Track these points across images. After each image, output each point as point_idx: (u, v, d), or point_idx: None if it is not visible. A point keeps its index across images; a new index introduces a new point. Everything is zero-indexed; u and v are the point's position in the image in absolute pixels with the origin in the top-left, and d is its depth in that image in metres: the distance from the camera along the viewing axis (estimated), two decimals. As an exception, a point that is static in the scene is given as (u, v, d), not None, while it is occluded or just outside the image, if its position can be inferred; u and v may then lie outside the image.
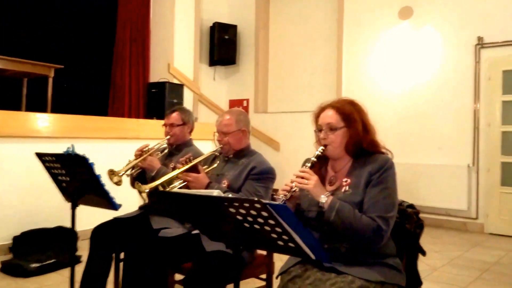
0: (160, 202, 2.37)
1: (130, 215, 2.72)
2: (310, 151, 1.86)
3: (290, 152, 6.59)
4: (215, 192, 1.76)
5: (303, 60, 6.87)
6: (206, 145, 2.85)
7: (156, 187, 2.29)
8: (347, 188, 1.76)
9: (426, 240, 2.00)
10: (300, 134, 6.21)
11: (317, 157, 1.82)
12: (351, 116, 1.80)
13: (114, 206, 2.07)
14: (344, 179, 1.79)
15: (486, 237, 5.10)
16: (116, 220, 2.67)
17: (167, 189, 2.29)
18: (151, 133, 4.56)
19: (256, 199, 1.29)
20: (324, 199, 1.70)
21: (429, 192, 5.50)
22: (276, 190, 1.84)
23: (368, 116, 1.86)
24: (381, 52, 6.05)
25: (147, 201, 2.28)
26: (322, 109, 1.89)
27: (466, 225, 5.40)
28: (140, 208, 2.81)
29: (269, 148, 6.83)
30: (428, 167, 5.57)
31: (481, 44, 5.35)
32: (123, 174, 2.67)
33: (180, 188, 2.31)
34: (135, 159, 2.75)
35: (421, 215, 1.91)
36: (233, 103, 7.30)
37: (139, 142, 2.98)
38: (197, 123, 5.94)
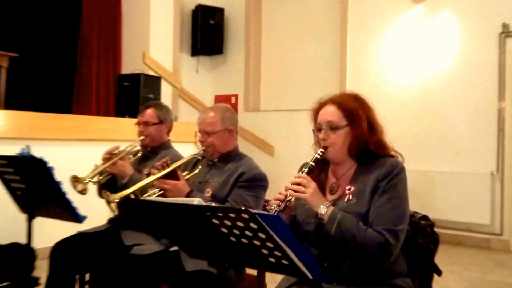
0: (132, 213, 2.36)
1: (97, 230, 2.71)
2: (310, 155, 1.87)
3: (286, 157, 6.59)
4: (196, 201, 1.78)
5: (302, 50, 6.89)
6: (187, 149, 2.86)
7: (128, 196, 2.30)
8: (350, 197, 1.77)
9: (442, 258, 2.01)
10: (298, 137, 6.20)
11: (316, 161, 1.82)
12: (355, 113, 1.81)
13: (78, 218, 2.07)
14: (347, 187, 1.80)
15: (512, 256, 5.14)
16: (80, 235, 2.65)
17: (141, 198, 2.29)
18: (123, 134, 4.52)
19: (243, 208, 1.30)
20: (323, 209, 1.71)
21: (445, 204, 5.53)
22: (268, 201, 1.86)
23: (375, 113, 1.87)
24: (391, 41, 6.08)
25: (116, 212, 2.29)
26: (321, 105, 1.89)
27: (489, 242, 5.44)
28: (109, 221, 2.81)
29: (261, 152, 6.83)
30: (444, 175, 5.60)
31: (506, 32, 5.38)
32: (88, 181, 2.65)
33: (156, 197, 2.32)
34: (103, 164, 2.75)
35: (437, 230, 1.94)
36: (220, 100, 7.29)
37: (108, 144, 2.98)
38: (177, 122, 5.83)
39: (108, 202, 2.31)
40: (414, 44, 5.93)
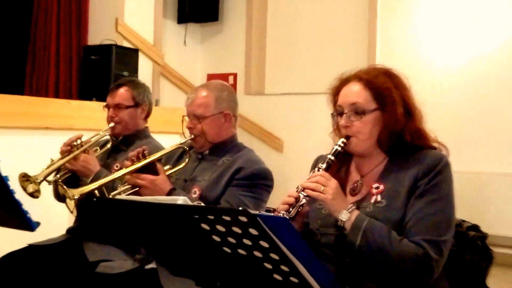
0: (96, 217, 2.37)
1: (53, 242, 2.69)
2: (328, 150, 1.87)
3: (298, 152, 6.52)
4: (180, 200, 1.76)
5: (318, 16, 6.85)
6: (170, 142, 2.88)
7: (91, 193, 2.31)
8: (379, 198, 1.78)
9: (496, 283, 2.02)
10: (314, 127, 6.16)
11: (336, 153, 1.83)
12: (387, 93, 1.81)
13: (29, 225, 2.06)
14: (375, 185, 1.81)
15: None
16: (31, 248, 2.64)
17: (109, 197, 2.32)
18: (89, 122, 4.52)
19: (241, 208, 1.29)
20: (346, 215, 1.72)
21: (499, 215, 5.51)
22: (273, 209, 1.88)
23: (412, 94, 1.87)
24: (431, 11, 6.06)
25: (74, 213, 2.30)
26: (343, 82, 1.90)
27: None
28: (69, 231, 2.79)
29: (266, 147, 6.80)
30: (497, 177, 5.58)
31: None
32: (42, 180, 2.65)
33: (127, 196, 2.33)
34: (61, 158, 2.74)
35: (489, 244, 1.94)
36: (213, 79, 7.22)
37: (69, 134, 2.97)
38: (158, 107, 5.83)
39: (64, 198, 2.33)
40: (461, 15, 5.90)
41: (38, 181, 2.63)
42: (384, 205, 1.75)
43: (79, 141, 2.77)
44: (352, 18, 6.63)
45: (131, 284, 2.29)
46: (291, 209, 1.76)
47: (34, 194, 2.61)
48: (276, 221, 1.31)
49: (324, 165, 1.82)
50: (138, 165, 2.39)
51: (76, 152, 2.72)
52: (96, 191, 2.33)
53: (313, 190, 1.74)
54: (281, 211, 1.76)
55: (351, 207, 1.74)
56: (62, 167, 2.74)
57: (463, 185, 5.50)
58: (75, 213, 2.33)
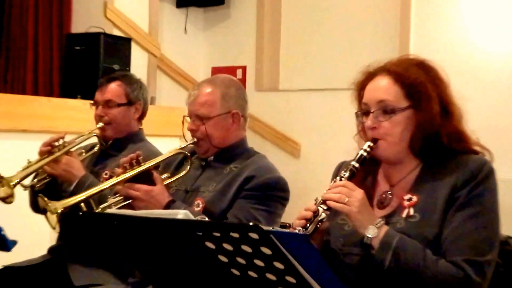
0: (82, 234, 2.37)
1: (32, 263, 2.71)
2: (352, 155, 1.87)
3: (318, 158, 6.51)
4: (181, 214, 1.74)
5: (342, 1, 6.85)
6: (169, 146, 2.85)
7: (77, 206, 2.30)
8: (411, 212, 1.77)
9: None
10: (336, 129, 6.14)
11: (361, 160, 1.83)
12: (421, 88, 1.81)
13: (4, 244, 2.07)
14: (407, 197, 1.80)
15: None
16: (7, 270, 2.66)
17: (97, 211, 2.30)
18: (73, 123, 4.51)
19: (251, 223, 1.29)
20: (373, 231, 1.71)
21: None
22: (289, 225, 1.84)
23: (451, 90, 1.87)
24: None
25: (57, 229, 2.29)
26: (370, 76, 1.90)
27: None
28: (51, 250, 2.80)
29: (281, 152, 6.77)
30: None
31: None
32: (17, 183, 2.65)
33: (119, 209, 2.31)
34: (40, 160, 2.74)
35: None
36: (218, 73, 7.18)
37: (50, 136, 2.97)
38: (155, 106, 5.81)
39: (45, 212, 2.32)
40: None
41: (12, 184, 2.63)
42: (417, 219, 1.75)
43: (61, 141, 2.77)
44: (382, 3, 6.61)
45: (123, 313, 2.33)
46: (308, 224, 1.74)
47: (7, 200, 2.62)
48: (293, 239, 1.30)
49: (347, 173, 1.81)
50: (132, 173, 2.38)
51: (58, 154, 2.72)
52: (82, 204, 2.33)
53: (336, 201, 1.73)
54: (297, 227, 1.75)
55: (380, 222, 1.73)
56: (40, 170, 2.74)
57: (509, 195, 5.48)
58: (57, 229, 2.33)
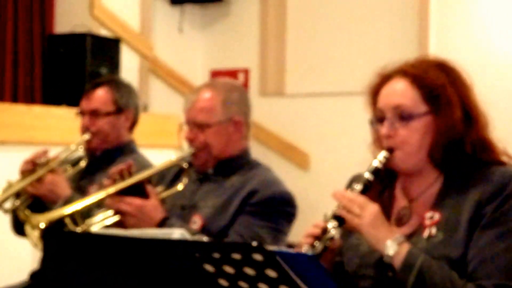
0: (67, 256, 2.33)
1: (12, 288, 2.73)
2: (366, 167, 1.87)
3: (328, 170, 6.56)
4: (176, 233, 1.75)
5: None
6: (164, 157, 2.88)
7: (61, 221, 2.32)
8: (433, 231, 1.77)
9: None
10: (349, 137, 6.17)
11: (375, 171, 1.83)
12: (442, 91, 1.82)
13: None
14: (429, 215, 1.81)
15: None
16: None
17: (83, 227, 2.32)
18: (56, 133, 4.57)
19: (255, 243, 1.31)
20: (392, 247, 1.71)
21: None
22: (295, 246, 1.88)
23: (475, 94, 1.88)
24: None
25: (39, 246, 2.29)
26: (385, 79, 1.91)
27: None
28: (33, 276, 2.84)
29: (288, 163, 6.83)
30: None
31: None
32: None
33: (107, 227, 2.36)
34: (22, 180, 2.77)
35: None
36: (218, 76, 7.24)
37: (32, 149, 3.00)
38: (147, 113, 5.83)
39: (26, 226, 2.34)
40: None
41: None
42: (440, 239, 1.75)
43: (44, 158, 2.80)
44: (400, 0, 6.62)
45: None
46: (317, 242, 1.74)
47: None
48: (301, 260, 1.31)
49: (359, 186, 1.81)
50: (122, 185, 2.37)
51: (41, 172, 2.76)
52: (67, 219, 2.35)
53: (345, 216, 1.75)
54: (304, 245, 1.76)
55: (400, 237, 1.73)
56: (22, 190, 2.77)
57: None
58: (40, 246, 2.32)
